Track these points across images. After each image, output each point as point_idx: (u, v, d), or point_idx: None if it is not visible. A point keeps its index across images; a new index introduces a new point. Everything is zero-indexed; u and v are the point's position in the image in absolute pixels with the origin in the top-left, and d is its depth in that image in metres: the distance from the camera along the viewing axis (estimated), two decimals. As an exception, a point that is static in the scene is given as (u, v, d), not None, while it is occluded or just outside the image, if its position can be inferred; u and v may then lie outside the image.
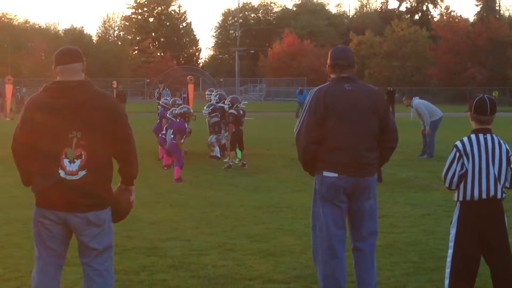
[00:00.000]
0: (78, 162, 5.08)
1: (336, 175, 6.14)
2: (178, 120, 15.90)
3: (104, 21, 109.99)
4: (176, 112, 16.28)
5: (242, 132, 18.16)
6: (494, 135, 5.90)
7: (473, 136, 5.87)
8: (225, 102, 19.35)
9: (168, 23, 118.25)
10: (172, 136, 15.66)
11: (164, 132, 17.94)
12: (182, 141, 15.81)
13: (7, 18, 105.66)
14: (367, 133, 6.21)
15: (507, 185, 5.89)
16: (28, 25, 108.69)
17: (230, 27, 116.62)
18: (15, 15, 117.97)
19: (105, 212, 5.25)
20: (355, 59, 6.53)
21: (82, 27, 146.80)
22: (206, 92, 23.04)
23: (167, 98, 19.67)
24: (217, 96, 20.93)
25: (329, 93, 6.19)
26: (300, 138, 6.28)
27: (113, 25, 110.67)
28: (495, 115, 5.94)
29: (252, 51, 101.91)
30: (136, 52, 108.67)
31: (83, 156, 5.09)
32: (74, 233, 5.23)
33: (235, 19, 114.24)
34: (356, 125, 6.15)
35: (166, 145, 16.11)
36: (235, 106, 18.49)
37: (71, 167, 5.07)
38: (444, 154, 15.47)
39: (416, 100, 20.41)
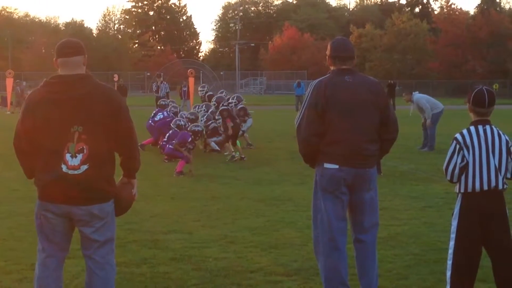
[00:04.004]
0: (80, 156, 5.07)
1: (337, 166, 6.13)
2: (187, 132, 16.00)
3: (104, 15, 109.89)
4: (189, 128, 16.34)
5: (239, 126, 18.27)
6: (493, 126, 5.89)
7: (472, 128, 5.87)
8: (212, 102, 19.52)
9: (168, 17, 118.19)
10: (172, 141, 15.86)
11: (165, 140, 17.72)
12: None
13: (8, 12, 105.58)
14: (368, 125, 6.20)
15: (508, 175, 5.89)
16: (28, 18, 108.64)
17: (230, 20, 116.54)
18: (15, 9, 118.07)
19: (109, 205, 5.26)
20: (356, 51, 6.52)
21: (83, 20, 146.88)
22: (199, 88, 22.99)
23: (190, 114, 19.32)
24: (207, 94, 21.06)
25: (330, 85, 6.19)
26: (301, 131, 6.27)
27: (113, 18, 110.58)
28: (493, 107, 5.93)
29: (253, 45, 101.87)
30: (136, 45, 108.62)
31: (85, 150, 5.07)
32: (76, 225, 5.23)
33: (235, 12, 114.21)
34: (357, 117, 6.15)
35: (165, 151, 16.43)
36: (221, 104, 18.68)
37: (73, 162, 5.06)
38: (445, 146, 15.48)
39: (417, 95, 20.39)
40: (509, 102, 55.37)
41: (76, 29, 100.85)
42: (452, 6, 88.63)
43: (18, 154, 5.32)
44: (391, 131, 6.36)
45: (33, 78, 70.58)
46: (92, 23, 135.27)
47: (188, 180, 14.29)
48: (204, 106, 20.37)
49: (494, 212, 5.79)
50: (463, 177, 5.82)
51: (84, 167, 5.07)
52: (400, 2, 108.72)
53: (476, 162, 5.77)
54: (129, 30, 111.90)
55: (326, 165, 6.17)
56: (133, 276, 7.19)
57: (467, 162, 5.79)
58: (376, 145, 6.28)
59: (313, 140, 6.18)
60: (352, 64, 6.34)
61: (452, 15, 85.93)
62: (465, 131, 5.86)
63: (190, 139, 15.67)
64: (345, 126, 6.12)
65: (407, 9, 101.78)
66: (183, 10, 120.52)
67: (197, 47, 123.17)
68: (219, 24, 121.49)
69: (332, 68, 6.35)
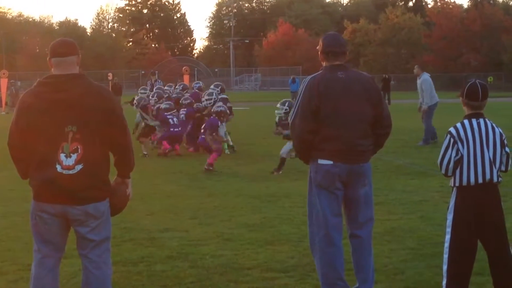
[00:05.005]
0: (74, 156, 5.07)
1: (331, 162, 6.14)
2: (212, 117, 15.91)
3: (98, 13, 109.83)
4: (213, 109, 16.28)
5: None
6: (487, 119, 5.90)
7: (466, 122, 5.87)
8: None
9: (162, 14, 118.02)
10: (202, 131, 15.71)
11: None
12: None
13: (1, 12, 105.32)
14: (362, 120, 6.21)
15: (503, 168, 5.90)
16: (22, 18, 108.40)
17: (224, 17, 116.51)
18: (9, 9, 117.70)
19: (104, 204, 5.26)
20: (349, 47, 6.52)
21: (76, 19, 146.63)
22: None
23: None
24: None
25: (323, 81, 6.18)
26: (294, 128, 6.28)
27: (107, 17, 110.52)
28: (487, 101, 5.94)
29: (247, 41, 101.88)
30: (130, 43, 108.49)
31: (79, 150, 5.07)
32: (71, 225, 5.22)
33: (229, 9, 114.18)
34: (351, 113, 6.15)
35: (199, 142, 16.23)
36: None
37: (67, 162, 5.06)
38: (440, 140, 15.46)
39: (426, 75, 20.54)
40: (504, 95, 55.44)
41: (70, 28, 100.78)
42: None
43: (13, 155, 5.32)
44: (385, 126, 6.37)
45: (28, 78, 70.48)
46: (86, 22, 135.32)
47: (184, 178, 14.29)
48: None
49: (489, 205, 5.80)
50: (458, 171, 5.83)
51: (79, 166, 5.08)
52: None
53: (470, 155, 5.78)
54: (123, 29, 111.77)
55: (321, 161, 6.17)
56: (130, 274, 7.19)
57: (462, 156, 5.79)
58: (370, 140, 6.29)
59: (307, 137, 6.19)
60: (344, 60, 6.34)
61: (446, 9, 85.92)
62: (459, 125, 5.87)
63: (219, 122, 15.65)
64: (338, 122, 6.12)
65: (400, 3, 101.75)
66: (177, 8, 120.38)
67: (191, 45, 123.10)
68: (213, 21, 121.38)
69: (324, 64, 6.35)
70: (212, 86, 20.85)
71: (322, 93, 6.12)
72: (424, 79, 20.36)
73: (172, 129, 18.02)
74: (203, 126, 16.05)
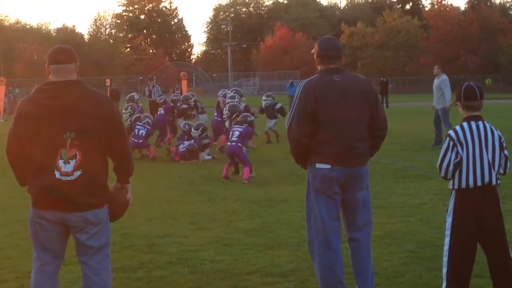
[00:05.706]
0: (73, 162, 5.06)
1: (328, 166, 6.13)
2: (245, 126, 15.70)
3: (96, 20, 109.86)
4: (249, 119, 16.13)
5: None
6: (485, 122, 5.90)
7: (465, 124, 5.88)
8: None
9: (159, 20, 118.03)
10: (235, 139, 15.42)
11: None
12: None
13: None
14: (358, 123, 6.21)
15: (501, 171, 5.90)
16: (19, 25, 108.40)
17: (221, 22, 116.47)
18: (6, 16, 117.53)
19: (103, 211, 5.25)
20: (347, 50, 6.54)
21: (74, 26, 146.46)
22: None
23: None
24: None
25: (319, 85, 6.19)
26: (291, 132, 6.28)
27: (105, 23, 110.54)
28: (483, 101, 5.95)
29: (245, 46, 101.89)
30: (128, 49, 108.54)
31: (77, 156, 5.06)
32: (71, 232, 5.22)
33: (227, 13, 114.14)
34: (347, 116, 6.15)
35: (228, 149, 15.65)
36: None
37: (66, 168, 5.05)
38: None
39: (445, 76, 20.55)
40: (502, 97, 55.52)
41: (67, 35, 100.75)
42: (443, 2, 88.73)
43: (11, 162, 5.31)
44: (380, 128, 6.38)
45: (26, 85, 70.41)
46: (84, 28, 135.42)
47: (182, 183, 14.29)
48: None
49: (488, 207, 5.80)
50: (457, 174, 5.83)
51: (77, 173, 5.07)
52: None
53: (469, 158, 5.78)
54: (121, 34, 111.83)
55: (318, 166, 6.17)
56: (130, 281, 7.19)
57: (461, 158, 5.79)
58: (366, 143, 6.29)
59: (303, 141, 6.19)
60: (340, 63, 6.35)
61: (443, 11, 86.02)
62: (458, 128, 5.87)
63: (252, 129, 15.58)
64: (335, 125, 6.12)
65: (398, 6, 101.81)
66: (174, 13, 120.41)
67: (189, 50, 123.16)
68: (210, 26, 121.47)
69: (319, 67, 6.37)
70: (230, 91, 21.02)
71: (319, 97, 6.12)
72: (444, 79, 20.40)
73: (133, 139, 18.61)
74: (235, 135, 15.82)
